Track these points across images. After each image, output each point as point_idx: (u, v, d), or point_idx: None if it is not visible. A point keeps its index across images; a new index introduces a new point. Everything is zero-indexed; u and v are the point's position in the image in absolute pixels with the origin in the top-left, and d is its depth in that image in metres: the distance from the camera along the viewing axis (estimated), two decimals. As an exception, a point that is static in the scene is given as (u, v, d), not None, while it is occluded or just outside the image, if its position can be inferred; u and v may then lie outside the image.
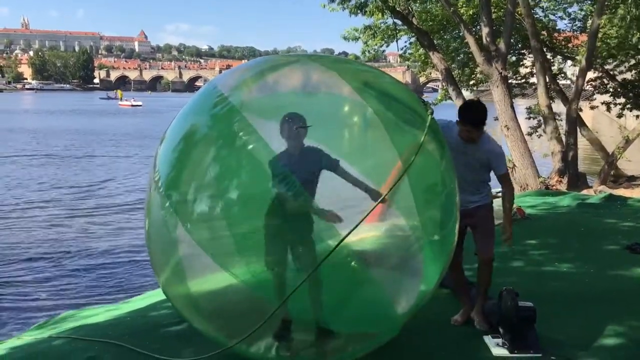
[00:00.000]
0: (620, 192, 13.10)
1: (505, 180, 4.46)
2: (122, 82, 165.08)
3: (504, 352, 4.07)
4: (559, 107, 16.01)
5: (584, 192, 12.51)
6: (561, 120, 14.63)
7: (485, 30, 12.02)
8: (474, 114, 4.27)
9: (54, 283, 9.81)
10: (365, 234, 3.58)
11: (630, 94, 16.97)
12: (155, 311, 5.62)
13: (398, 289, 3.73)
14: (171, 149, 3.79)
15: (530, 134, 15.95)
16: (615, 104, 18.00)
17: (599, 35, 13.59)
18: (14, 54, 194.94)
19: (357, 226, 3.23)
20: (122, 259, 11.27)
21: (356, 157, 3.61)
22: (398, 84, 4.15)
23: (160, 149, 3.81)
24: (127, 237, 13.09)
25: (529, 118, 17.03)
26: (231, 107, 3.49)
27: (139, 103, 77.70)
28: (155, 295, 6.57)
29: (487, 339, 4.26)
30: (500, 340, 4.18)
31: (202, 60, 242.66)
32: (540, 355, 4.02)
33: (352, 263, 3.35)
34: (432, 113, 3.72)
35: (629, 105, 17.37)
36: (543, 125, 14.57)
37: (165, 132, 3.90)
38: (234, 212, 3.53)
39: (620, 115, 18.31)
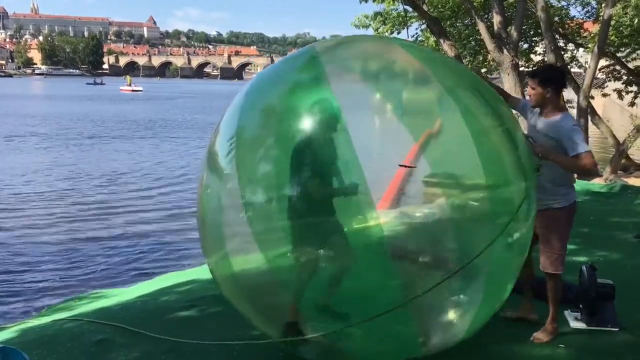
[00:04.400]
0: (631, 181, 13.02)
1: (581, 158, 3.72)
2: (131, 68, 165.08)
3: (581, 325, 4.26)
4: (570, 94, 15.90)
5: (595, 180, 12.43)
6: (573, 108, 14.54)
7: (496, 17, 11.89)
8: (535, 69, 4.04)
9: (65, 267, 9.88)
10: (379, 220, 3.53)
11: (643, 82, 16.83)
12: (165, 296, 5.68)
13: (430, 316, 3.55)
14: (238, 131, 3.62)
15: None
16: (627, 92, 17.85)
17: (612, 22, 13.43)
18: (23, 39, 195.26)
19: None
20: (133, 243, 11.32)
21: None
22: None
23: (221, 139, 3.67)
24: (139, 221, 13.15)
25: (541, 106, 16.94)
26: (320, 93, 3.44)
27: (140, 88, 79.12)
28: (166, 280, 6.65)
29: (567, 313, 4.42)
30: (578, 315, 4.36)
31: (210, 46, 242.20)
32: (617, 329, 4.12)
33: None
34: (538, 169, 3.59)
35: (641, 94, 17.23)
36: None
37: (222, 123, 3.74)
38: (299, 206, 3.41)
39: (632, 104, 18.17)
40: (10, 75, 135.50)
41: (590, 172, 3.91)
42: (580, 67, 19.00)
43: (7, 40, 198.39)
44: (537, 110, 4.00)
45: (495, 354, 3.92)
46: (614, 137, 16.39)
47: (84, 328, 4.68)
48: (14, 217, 13.36)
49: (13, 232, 12.04)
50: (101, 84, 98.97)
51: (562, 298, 4.42)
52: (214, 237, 3.76)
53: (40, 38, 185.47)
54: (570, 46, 17.88)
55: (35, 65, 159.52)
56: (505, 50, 11.45)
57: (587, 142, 3.88)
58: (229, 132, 3.68)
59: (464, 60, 15.51)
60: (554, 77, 3.93)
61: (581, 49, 17.73)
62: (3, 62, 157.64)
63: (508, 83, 11.91)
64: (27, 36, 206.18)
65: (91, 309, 5.47)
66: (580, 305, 4.38)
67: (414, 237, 3.85)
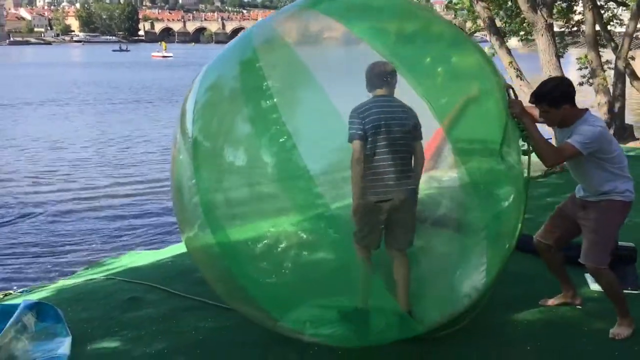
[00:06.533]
0: (670, 145, 12.66)
1: (563, 145, 3.49)
2: (166, 34, 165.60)
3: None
4: (609, 55, 15.39)
5: (630, 144, 12.15)
6: (611, 69, 14.10)
7: (531, -25, 11.54)
8: (533, 92, 3.58)
9: (101, 229, 10.24)
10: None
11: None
12: (194, 257, 5.85)
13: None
14: (203, 99, 3.42)
15: (581, 84, 15.23)
16: (671, 53, 17.20)
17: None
18: (61, 6, 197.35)
19: None
20: (166, 206, 11.60)
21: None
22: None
23: (190, 98, 3.46)
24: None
25: (580, 68, 16.42)
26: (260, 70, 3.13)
27: (170, 54, 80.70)
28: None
29: (587, 275, 4.32)
30: None
31: (245, 11, 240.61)
32: (637, 292, 4.09)
33: None
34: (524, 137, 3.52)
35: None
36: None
37: (195, 81, 3.53)
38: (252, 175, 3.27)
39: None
40: (49, 43, 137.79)
41: (546, 161, 3.56)
42: (621, 25, 18.31)
43: (46, 7, 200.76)
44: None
45: (512, 317, 3.96)
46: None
47: (117, 287, 4.92)
48: (55, 181, 13.81)
49: (52, 199, 12.39)
50: (126, 50, 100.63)
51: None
52: (187, 208, 3.48)
53: (77, 5, 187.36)
54: (611, 5, 17.23)
55: (73, 33, 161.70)
56: (539, 11, 11.13)
57: (595, 144, 3.44)
58: (202, 85, 3.39)
59: (499, 22, 15.09)
60: (561, 93, 3.47)
61: (622, 8, 17.07)
62: (42, 29, 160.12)
63: (542, 44, 11.59)
64: (64, 3, 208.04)
65: (124, 269, 5.71)
66: None
67: (436, 201, 3.89)
